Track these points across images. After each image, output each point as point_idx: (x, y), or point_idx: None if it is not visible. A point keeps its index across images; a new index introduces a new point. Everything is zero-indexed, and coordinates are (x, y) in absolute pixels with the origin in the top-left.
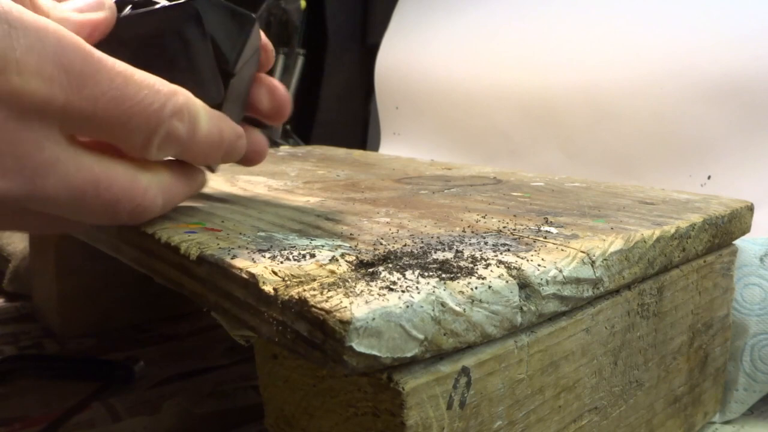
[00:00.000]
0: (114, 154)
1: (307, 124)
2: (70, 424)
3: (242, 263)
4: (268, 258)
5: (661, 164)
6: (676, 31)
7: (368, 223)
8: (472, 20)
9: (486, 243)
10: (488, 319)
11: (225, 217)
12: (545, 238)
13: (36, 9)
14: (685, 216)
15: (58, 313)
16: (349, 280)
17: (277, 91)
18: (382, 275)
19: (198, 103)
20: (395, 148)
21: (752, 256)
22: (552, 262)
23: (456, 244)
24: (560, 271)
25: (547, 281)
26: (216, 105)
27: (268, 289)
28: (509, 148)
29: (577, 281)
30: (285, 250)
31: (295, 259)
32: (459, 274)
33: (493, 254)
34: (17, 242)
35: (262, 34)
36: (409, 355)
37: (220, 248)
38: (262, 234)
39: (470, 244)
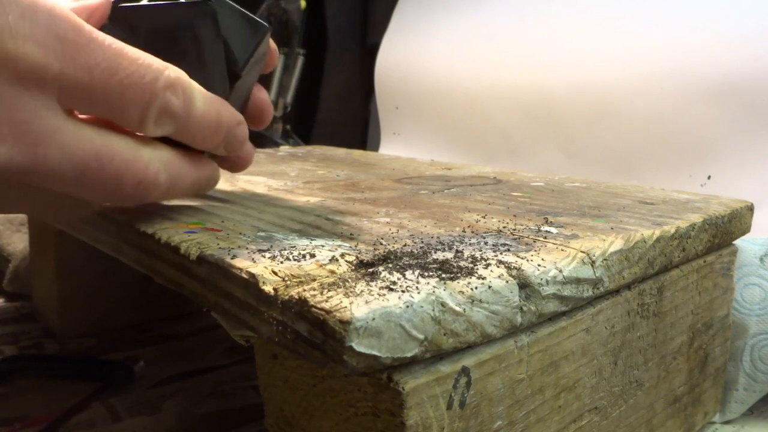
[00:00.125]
0: (114, 130)
1: (307, 124)
2: (70, 424)
3: (242, 263)
4: (268, 258)
5: (661, 164)
6: (676, 31)
7: (368, 223)
8: (472, 20)
9: (486, 243)
10: (488, 319)
11: (225, 217)
12: (545, 238)
13: None
14: (685, 216)
15: (58, 313)
16: (349, 280)
17: (260, 93)
18: (382, 275)
19: (192, 82)
20: (395, 148)
21: (752, 256)
22: (552, 262)
23: (456, 244)
24: (560, 271)
25: (547, 281)
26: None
27: (268, 289)
28: (509, 148)
29: (577, 281)
30: (285, 250)
31: (295, 259)
32: (459, 274)
33: (493, 254)
34: (17, 242)
35: (270, 41)
36: (409, 355)
37: (220, 248)
38: (262, 234)
39: (470, 244)
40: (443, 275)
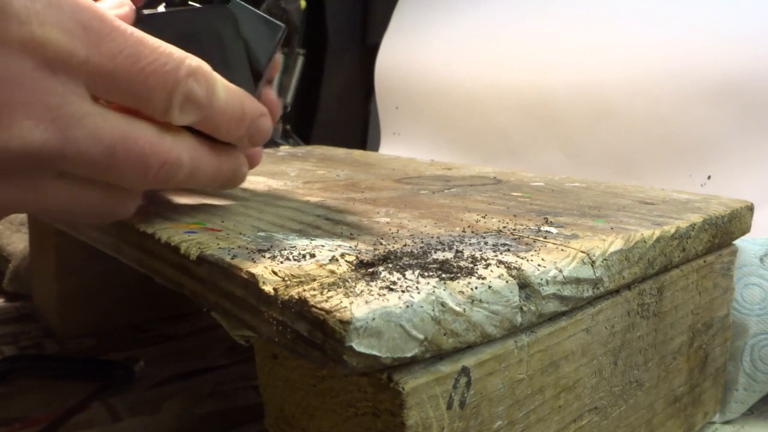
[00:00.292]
0: (139, 117)
1: (307, 124)
2: (70, 424)
3: (242, 263)
4: (268, 258)
5: (661, 164)
6: (676, 31)
7: (368, 223)
8: (472, 20)
9: (486, 243)
10: (488, 319)
11: (225, 217)
12: (545, 238)
13: None
14: (685, 216)
15: (58, 313)
16: (349, 280)
17: (266, 92)
18: (382, 275)
19: (214, 73)
20: (395, 148)
21: (752, 256)
22: (552, 262)
23: (456, 244)
24: (560, 271)
25: (547, 281)
26: None
27: (268, 289)
28: (509, 148)
29: (577, 281)
30: (285, 250)
31: (295, 259)
32: (459, 274)
33: (493, 254)
34: (17, 242)
35: None
36: (409, 355)
37: (220, 248)
38: (262, 234)
39: (470, 244)
40: (443, 275)
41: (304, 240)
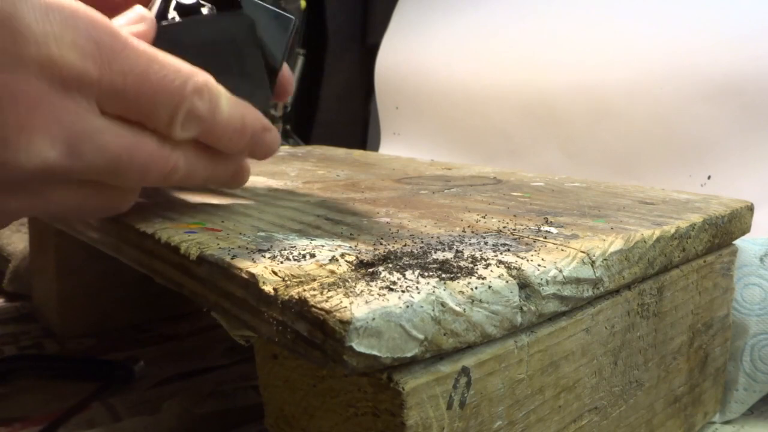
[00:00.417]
0: (143, 127)
1: (307, 124)
2: (70, 424)
3: (242, 263)
4: (268, 258)
5: (661, 164)
6: (676, 31)
7: (368, 223)
8: (472, 20)
9: (486, 243)
10: (488, 319)
11: (225, 217)
12: (545, 238)
13: None
14: (685, 216)
15: (58, 313)
16: (349, 280)
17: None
18: (382, 275)
19: (219, 87)
20: (395, 148)
21: (752, 256)
22: (552, 262)
23: (456, 244)
24: (560, 271)
25: (547, 281)
26: (264, 110)
27: (268, 289)
28: (509, 148)
29: (577, 281)
30: (285, 250)
31: (295, 259)
32: (459, 274)
33: (493, 254)
34: (17, 242)
35: None
36: (409, 355)
37: (220, 248)
38: (262, 234)
39: (470, 244)
40: (443, 275)
41: (304, 240)
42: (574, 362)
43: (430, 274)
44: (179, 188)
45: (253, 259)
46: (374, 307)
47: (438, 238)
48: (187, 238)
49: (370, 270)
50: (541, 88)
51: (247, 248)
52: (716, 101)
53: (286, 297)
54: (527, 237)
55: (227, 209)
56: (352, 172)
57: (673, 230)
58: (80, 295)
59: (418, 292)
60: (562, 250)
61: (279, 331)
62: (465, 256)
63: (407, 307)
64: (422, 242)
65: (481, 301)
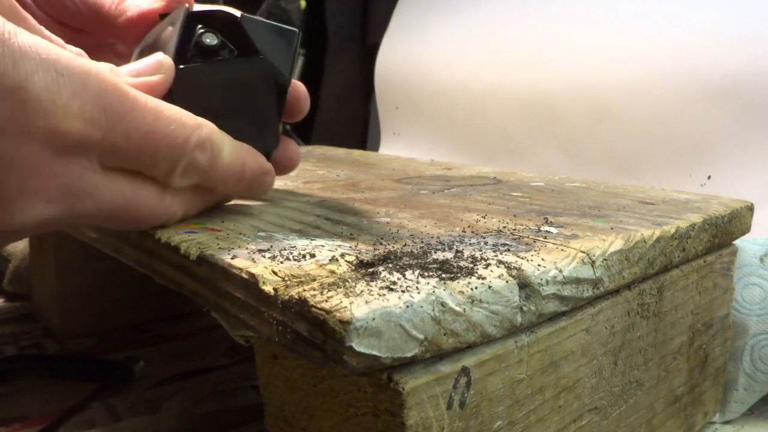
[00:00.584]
0: (143, 177)
1: (307, 124)
2: (70, 424)
3: (242, 263)
4: (268, 258)
5: (661, 164)
6: (676, 31)
7: (368, 223)
8: (472, 20)
9: (486, 243)
10: (488, 319)
11: (225, 217)
12: (545, 238)
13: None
14: (685, 216)
15: (58, 313)
16: (349, 280)
17: (297, 86)
18: (382, 275)
19: (223, 135)
20: (395, 148)
21: (752, 256)
22: (552, 262)
23: (456, 244)
24: (560, 271)
25: (547, 281)
26: (268, 153)
27: (268, 289)
28: (509, 148)
29: (577, 281)
30: (285, 250)
31: (295, 259)
32: (459, 274)
33: (493, 254)
34: (17, 242)
35: None
36: (409, 355)
37: (220, 248)
38: (262, 234)
39: (470, 244)
40: (443, 275)
41: (304, 240)
42: (574, 362)
43: (430, 274)
44: None
45: (253, 259)
46: (374, 307)
47: (438, 238)
48: (187, 238)
49: (370, 270)
50: (541, 88)
51: (247, 248)
52: (716, 101)
53: (286, 297)
54: (527, 237)
55: (227, 209)
56: (352, 172)
57: (673, 230)
58: (80, 295)
59: (418, 292)
60: (562, 250)
61: (279, 331)
62: (465, 256)
63: (407, 307)
64: (422, 242)
65: (481, 301)
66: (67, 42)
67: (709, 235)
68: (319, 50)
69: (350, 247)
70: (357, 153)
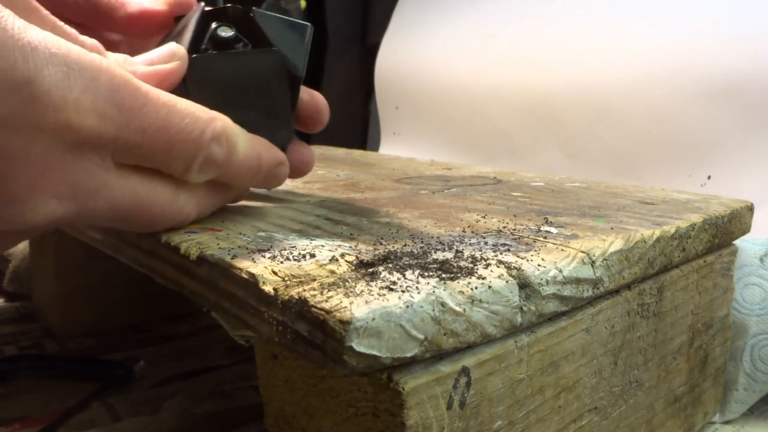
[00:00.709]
0: (158, 175)
1: None
2: (70, 424)
3: (242, 263)
4: (268, 258)
5: (661, 164)
6: (676, 31)
7: (368, 223)
8: (472, 20)
9: (486, 243)
10: (488, 319)
11: (225, 217)
12: (545, 238)
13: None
14: (685, 216)
15: (58, 313)
16: (349, 280)
17: (316, 97)
18: (382, 275)
19: (237, 129)
20: (395, 148)
21: (752, 256)
22: (552, 262)
23: (456, 244)
24: (560, 271)
25: (547, 281)
26: (283, 146)
27: (268, 289)
28: (509, 148)
29: (577, 281)
30: (285, 250)
31: (295, 259)
32: (459, 274)
33: (493, 254)
34: None
35: None
36: (409, 355)
37: (220, 248)
38: (262, 234)
39: (470, 244)
40: (443, 275)
41: (304, 240)
42: (574, 362)
43: (430, 274)
44: None
45: (253, 259)
46: (374, 307)
47: (438, 238)
48: (187, 238)
49: (370, 270)
50: (541, 88)
51: (247, 248)
52: (716, 101)
53: (286, 297)
54: (527, 237)
55: (227, 209)
56: (352, 172)
57: (673, 230)
58: (80, 295)
59: (418, 292)
60: (562, 250)
61: (279, 331)
62: (465, 256)
63: (407, 307)
64: (422, 242)
65: (481, 301)
66: None
67: (709, 235)
68: (319, 50)
69: (350, 247)
70: (357, 153)
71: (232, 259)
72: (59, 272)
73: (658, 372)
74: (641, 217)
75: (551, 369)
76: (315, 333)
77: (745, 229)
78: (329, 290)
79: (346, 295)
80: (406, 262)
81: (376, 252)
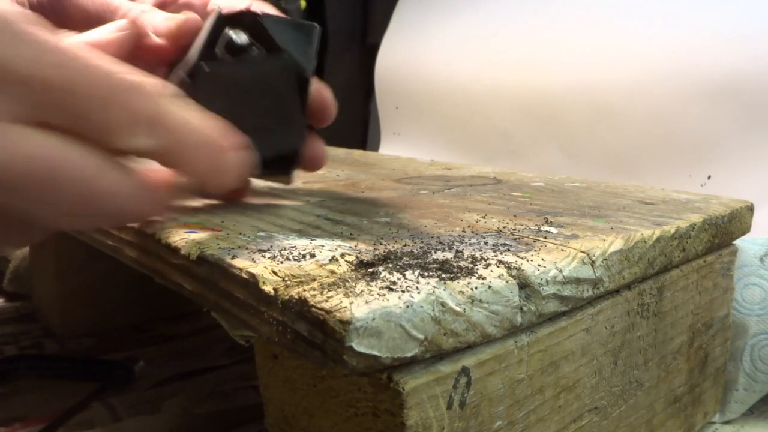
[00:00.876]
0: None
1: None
2: (70, 424)
3: (242, 263)
4: (268, 258)
5: (661, 164)
6: (676, 31)
7: (368, 223)
8: (472, 20)
9: (486, 243)
10: (488, 319)
11: (225, 217)
12: (545, 238)
13: None
14: (685, 216)
15: (58, 313)
16: (349, 280)
17: (323, 92)
18: (382, 275)
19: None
20: (395, 148)
21: (752, 256)
22: (552, 262)
23: (456, 244)
24: (560, 271)
25: (547, 281)
26: (296, 150)
27: (268, 289)
28: (509, 148)
29: (577, 281)
30: (285, 250)
31: (295, 259)
32: (459, 274)
33: (493, 254)
34: None
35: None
36: (409, 355)
37: (220, 248)
38: (262, 234)
39: (470, 244)
40: (443, 275)
41: (304, 240)
42: (574, 362)
43: (430, 274)
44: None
45: (253, 259)
46: (374, 307)
47: (438, 238)
48: (187, 238)
49: (370, 270)
50: (541, 88)
51: (247, 248)
52: (716, 101)
53: (286, 297)
54: (527, 237)
55: (227, 209)
56: (352, 172)
57: (673, 230)
58: (80, 295)
59: (418, 292)
60: (562, 250)
61: (279, 331)
62: (465, 256)
63: (407, 307)
64: (422, 242)
65: (481, 301)
66: None
67: (709, 235)
68: (320, 50)
69: (350, 247)
70: (357, 153)
71: (232, 259)
72: (59, 272)
73: (658, 372)
74: (641, 217)
75: (551, 369)
76: (315, 333)
77: (745, 229)
78: (329, 290)
79: (346, 295)
80: (406, 262)
81: (376, 252)
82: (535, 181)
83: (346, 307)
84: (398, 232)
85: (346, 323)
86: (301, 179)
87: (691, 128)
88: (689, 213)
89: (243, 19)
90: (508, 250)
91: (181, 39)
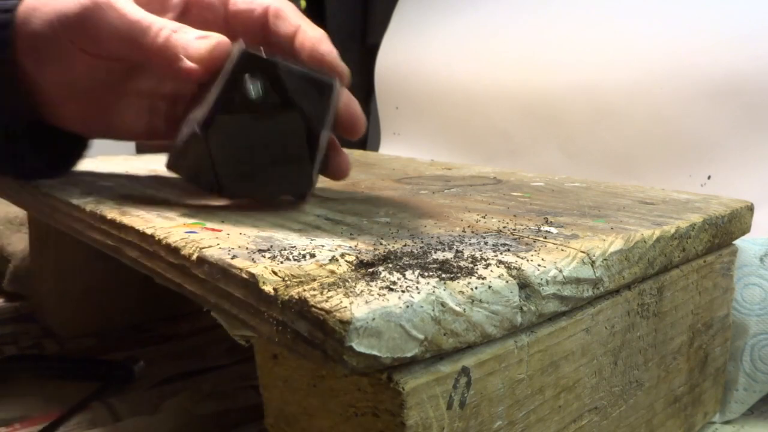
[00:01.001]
0: None
1: None
2: (70, 424)
3: (242, 263)
4: (268, 258)
5: (661, 164)
6: (676, 31)
7: (368, 223)
8: (472, 20)
9: (486, 243)
10: (488, 319)
11: (225, 217)
12: (545, 238)
13: None
14: (685, 216)
15: (58, 313)
16: (349, 280)
17: (352, 106)
18: (382, 275)
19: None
20: (395, 148)
21: (752, 256)
22: (552, 262)
23: (456, 244)
24: (560, 271)
25: (547, 281)
26: (303, 194)
27: (268, 289)
28: (509, 148)
29: (577, 281)
30: (285, 250)
31: (295, 259)
32: (459, 274)
33: (493, 254)
34: (17, 242)
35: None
36: (409, 355)
37: (220, 248)
38: (262, 234)
39: (470, 244)
40: (443, 275)
41: (304, 240)
42: (574, 362)
43: (430, 274)
44: (179, 188)
45: (253, 259)
46: (374, 307)
47: (438, 238)
48: (187, 238)
49: (370, 270)
50: (541, 88)
51: (247, 248)
52: (716, 101)
53: (286, 297)
54: (527, 237)
55: (227, 209)
56: (353, 172)
57: (673, 230)
58: (80, 295)
59: (418, 292)
60: (562, 250)
61: (279, 331)
62: (465, 256)
63: (407, 307)
64: (422, 242)
65: (481, 301)
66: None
67: (709, 235)
68: None
69: (350, 247)
70: (357, 153)
71: (232, 259)
72: (59, 272)
73: (658, 372)
74: (641, 217)
75: (551, 369)
76: (315, 333)
77: (745, 229)
78: (329, 290)
79: (346, 295)
80: (406, 262)
81: (376, 252)
82: (535, 181)
83: (346, 307)
84: (398, 232)
85: (346, 323)
86: None
87: (691, 128)
88: (689, 213)
89: (263, 65)
90: (508, 250)
91: (212, 64)
